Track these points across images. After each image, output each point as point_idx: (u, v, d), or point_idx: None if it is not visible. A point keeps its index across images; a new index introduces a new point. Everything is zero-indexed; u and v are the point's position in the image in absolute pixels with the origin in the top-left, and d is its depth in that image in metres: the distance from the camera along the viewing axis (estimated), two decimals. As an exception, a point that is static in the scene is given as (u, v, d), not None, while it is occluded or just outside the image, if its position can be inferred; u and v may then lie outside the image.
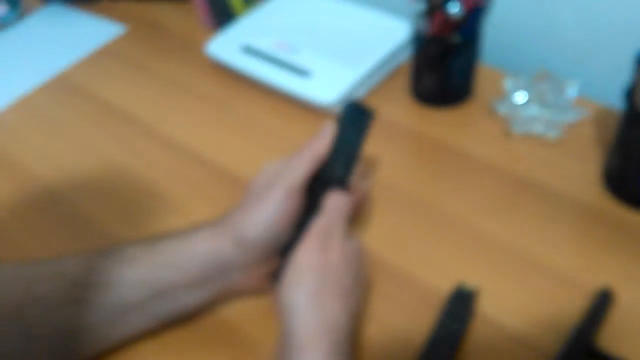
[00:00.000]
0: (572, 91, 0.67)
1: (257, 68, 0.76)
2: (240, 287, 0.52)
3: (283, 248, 0.50)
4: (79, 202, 0.67)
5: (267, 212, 0.49)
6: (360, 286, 0.50)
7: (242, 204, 0.51)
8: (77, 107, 0.80)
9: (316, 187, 0.52)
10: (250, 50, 0.78)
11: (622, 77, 0.58)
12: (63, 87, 0.83)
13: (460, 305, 0.51)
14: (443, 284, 0.54)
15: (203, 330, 0.54)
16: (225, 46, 0.80)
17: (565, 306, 0.52)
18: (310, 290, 0.45)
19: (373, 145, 0.67)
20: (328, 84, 0.72)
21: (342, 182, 0.52)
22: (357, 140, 0.53)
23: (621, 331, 0.50)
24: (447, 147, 0.68)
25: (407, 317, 0.53)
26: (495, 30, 0.75)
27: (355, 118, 0.53)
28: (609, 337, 0.50)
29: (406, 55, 0.78)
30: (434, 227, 0.60)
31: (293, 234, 0.50)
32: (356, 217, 0.58)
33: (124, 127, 0.76)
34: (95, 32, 0.93)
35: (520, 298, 0.53)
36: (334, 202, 0.50)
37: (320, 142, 0.52)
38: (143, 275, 0.48)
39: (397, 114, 0.73)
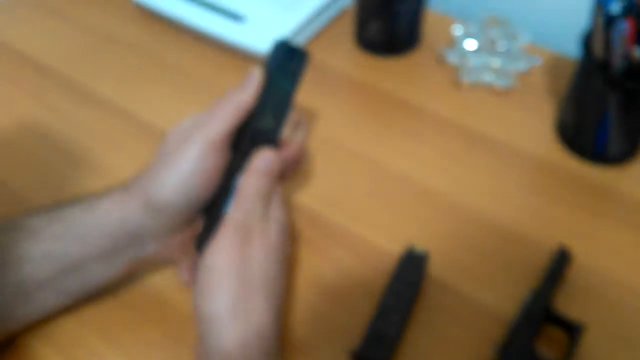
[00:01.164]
0: (524, 38, 0.64)
1: (186, 12, 0.70)
2: (157, 257, 0.47)
3: (207, 209, 0.45)
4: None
5: (180, 172, 0.43)
6: (285, 269, 0.45)
7: (153, 163, 0.45)
8: (-16, 57, 0.72)
9: (242, 142, 0.45)
10: (178, -7, 0.71)
11: (576, 22, 0.55)
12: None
13: (411, 268, 0.47)
14: (392, 246, 0.51)
15: (130, 304, 0.49)
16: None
17: (520, 266, 0.50)
18: (231, 297, 0.40)
19: (313, 96, 0.63)
20: (264, 30, 0.66)
21: (271, 136, 0.46)
22: (288, 86, 0.47)
23: (577, 290, 0.48)
24: (393, 98, 0.64)
25: (354, 281, 0.49)
26: (444, -27, 0.71)
27: (286, 61, 0.47)
28: (564, 297, 0.48)
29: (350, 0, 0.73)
30: (379, 185, 0.56)
31: (217, 195, 0.44)
32: (292, 175, 0.53)
33: (39, 80, 0.69)
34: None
35: (473, 259, 0.50)
36: (256, 178, 0.43)
37: (246, 90, 0.45)
38: (47, 249, 0.43)
39: (340, 63, 0.68)
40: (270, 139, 0.46)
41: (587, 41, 0.52)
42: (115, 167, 0.59)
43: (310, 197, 0.55)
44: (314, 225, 0.53)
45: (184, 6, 0.70)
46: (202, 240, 0.44)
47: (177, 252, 0.46)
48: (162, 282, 0.50)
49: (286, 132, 0.49)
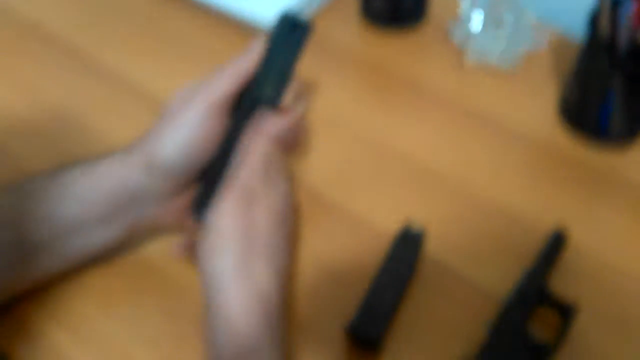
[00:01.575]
0: (530, 15, 0.63)
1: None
2: (156, 222, 0.47)
3: (205, 174, 0.45)
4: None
5: (181, 133, 0.44)
6: (290, 238, 0.45)
7: (155, 125, 0.45)
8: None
9: (242, 109, 0.46)
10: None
11: (584, 3, 0.54)
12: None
13: (407, 247, 0.47)
14: (390, 224, 0.51)
15: (127, 273, 0.49)
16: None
17: (517, 247, 0.50)
18: (236, 258, 0.40)
19: (317, 71, 0.63)
20: (269, 2, 0.65)
21: (271, 104, 0.46)
22: (290, 56, 0.47)
23: (572, 271, 0.48)
24: (398, 75, 0.63)
25: (352, 259, 0.50)
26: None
27: (289, 33, 0.47)
28: (559, 278, 0.48)
29: (356, -28, 0.72)
30: (380, 163, 0.56)
31: (215, 160, 0.45)
32: (292, 150, 0.53)
33: (41, 47, 0.68)
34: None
35: (470, 238, 0.51)
36: (259, 139, 0.43)
37: (247, 57, 0.46)
38: (47, 211, 0.44)
39: (346, 37, 0.67)
40: (270, 107, 0.46)
41: (594, 21, 0.52)
42: (117, 135, 0.58)
43: (310, 174, 0.55)
44: (314, 202, 0.53)
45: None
46: (199, 204, 0.44)
47: (176, 218, 0.46)
48: (160, 253, 0.50)
49: (287, 102, 0.48)
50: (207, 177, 0.45)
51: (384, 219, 0.52)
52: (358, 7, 0.69)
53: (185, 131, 0.44)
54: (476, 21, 0.63)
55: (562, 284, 0.47)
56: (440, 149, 0.57)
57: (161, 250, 0.51)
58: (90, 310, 0.48)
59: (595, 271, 0.48)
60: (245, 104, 0.46)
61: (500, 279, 0.48)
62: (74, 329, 0.47)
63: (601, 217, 0.51)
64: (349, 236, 0.51)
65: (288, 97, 0.48)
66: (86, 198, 0.44)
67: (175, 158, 0.44)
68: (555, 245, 0.48)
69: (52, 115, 0.61)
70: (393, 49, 0.66)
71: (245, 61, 0.45)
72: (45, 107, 0.62)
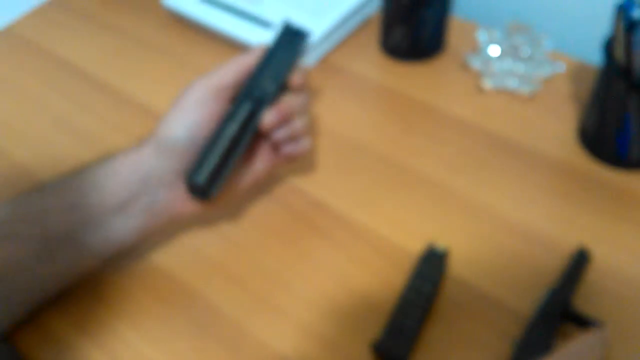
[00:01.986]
0: (547, 44, 0.64)
1: (217, 19, 0.72)
2: (170, 210, 0.49)
3: (199, 153, 0.48)
4: (28, 163, 0.62)
5: (184, 111, 0.48)
6: None
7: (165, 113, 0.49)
8: (25, 62, 0.75)
9: (238, 98, 0.50)
10: (208, 1, 0.73)
11: (599, 30, 0.56)
12: (10, 40, 0.78)
13: (431, 266, 0.48)
14: (413, 245, 0.52)
15: (157, 288, 0.51)
16: (182, 1, 0.75)
17: (539, 266, 0.50)
18: None
19: (339, 100, 0.65)
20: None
21: (266, 97, 0.50)
22: (287, 58, 0.52)
23: (595, 290, 0.49)
24: (417, 102, 0.65)
25: (376, 279, 0.51)
26: (468, -19, 0.72)
27: (289, 38, 0.53)
28: (583, 297, 0.48)
29: (375, 7, 0.75)
30: (403, 186, 0.57)
31: (207, 140, 0.48)
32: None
33: (75, 83, 0.71)
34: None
35: (493, 258, 0.51)
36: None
37: (249, 54, 0.51)
38: (69, 202, 0.46)
39: (366, 68, 0.69)
40: (266, 98, 0.50)
41: (609, 47, 0.53)
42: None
43: (333, 196, 0.57)
44: (339, 224, 0.54)
45: (214, 13, 0.72)
46: (193, 165, 0.47)
47: (183, 205, 0.49)
48: (190, 271, 0.52)
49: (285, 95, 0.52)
50: (199, 155, 0.48)
51: (408, 240, 0.53)
52: (377, 41, 0.72)
53: (188, 110, 0.48)
54: (493, 51, 0.65)
55: (585, 302, 0.48)
56: (462, 171, 0.58)
57: (190, 267, 0.52)
58: (119, 324, 0.49)
59: (617, 290, 0.49)
60: (242, 93, 0.50)
61: (523, 297, 0.48)
62: (103, 341, 0.48)
63: (623, 237, 0.52)
64: (374, 256, 0.52)
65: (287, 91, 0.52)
66: (105, 187, 0.46)
67: (180, 135, 0.47)
68: (578, 264, 0.48)
69: (82, 142, 0.64)
70: (412, 77, 0.68)
71: (246, 57, 0.51)
72: (75, 136, 0.64)
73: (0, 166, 0.62)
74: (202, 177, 0.47)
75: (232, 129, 0.48)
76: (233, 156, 0.49)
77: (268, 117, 0.49)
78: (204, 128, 0.48)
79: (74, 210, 0.46)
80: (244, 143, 0.49)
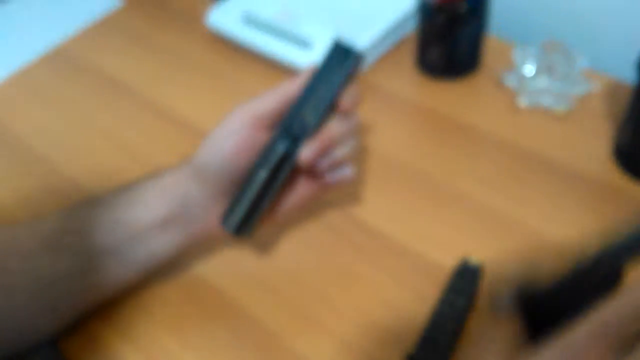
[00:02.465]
0: (582, 62, 0.65)
1: (258, 39, 0.74)
2: (206, 231, 0.51)
3: (238, 186, 0.48)
4: (78, 177, 0.65)
5: (221, 139, 0.47)
6: None
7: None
8: (75, 80, 0.78)
9: (278, 128, 0.48)
10: (251, 21, 0.76)
11: (633, 49, 0.56)
12: (61, 59, 0.82)
13: (465, 280, 0.49)
14: (448, 260, 0.53)
15: (200, 300, 0.53)
16: (225, 17, 0.78)
17: (573, 283, 0.51)
18: None
19: (378, 118, 0.67)
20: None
21: (308, 127, 0.47)
22: (335, 82, 0.47)
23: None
24: (453, 120, 0.66)
25: (411, 294, 0.52)
26: (503, 0, 0.73)
27: (338, 58, 0.48)
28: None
29: (412, 26, 0.76)
30: (439, 202, 0.58)
31: (247, 173, 0.48)
32: (353, 192, 0.56)
33: (124, 100, 0.74)
34: (95, 3, 0.91)
35: (527, 274, 0.52)
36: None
37: (294, 80, 0.48)
38: (116, 216, 0.48)
39: (402, 86, 0.71)
40: (304, 134, 0.48)
41: (643, 66, 0.54)
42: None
43: (370, 212, 0.58)
44: (374, 239, 0.56)
45: (254, 33, 0.75)
46: (226, 210, 0.48)
47: (217, 228, 0.50)
48: (233, 283, 0.54)
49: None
50: (238, 189, 0.48)
51: (443, 255, 0.54)
52: (413, 59, 0.73)
53: (223, 141, 0.47)
54: (528, 69, 0.66)
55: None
56: (497, 188, 0.59)
57: (233, 280, 0.54)
58: (163, 335, 0.51)
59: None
60: (280, 129, 0.48)
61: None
62: (145, 349, 0.50)
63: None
64: (409, 271, 0.53)
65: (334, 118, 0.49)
66: (149, 204, 0.48)
67: (214, 164, 0.48)
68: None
69: (128, 156, 0.67)
70: (447, 95, 0.69)
71: (291, 83, 0.48)
72: (122, 150, 0.67)
73: (52, 180, 0.66)
74: (232, 225, 0.49)
75: (264, 174, 0.47)
76: (265, 199, 0.48)
77: (306, 153, 0.47)
78: (241, 157, 0.47)
79: (121, 225, 0.48)
80: (277, 185, 0.48)
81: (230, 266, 0.55)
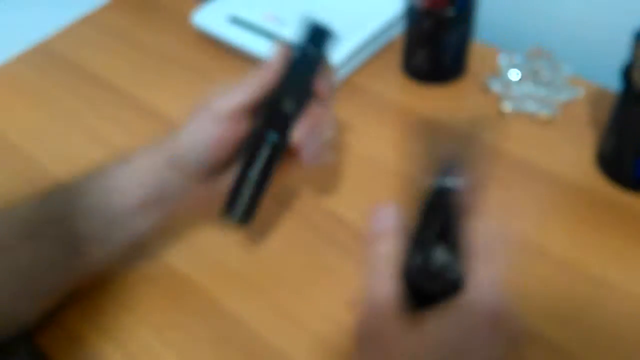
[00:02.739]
0: (566, 69, 0.65)
1: (244, 39, 0.74)
2: (184, 209, 0.51)
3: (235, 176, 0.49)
4: (59, 174, 0.64)
5: (201, 131, 0.48)
6: None
7: (181, 125, 0.50)
8: (58, 77, 0.77)
9: (261, 116, 0.49)
10: (237, 22, 0.75)
11: (618, 56, 0.57)
12: (44, 55, 0.81)
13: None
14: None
15: (179, 296, 0.53)
16: (212, 17, 0.78)
17: (556, 288, 0.51)
18: None
19: (362, 122, 0.66)
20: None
21: (292, 114, 0.48)
22: (313, 66, 0.48)
23: (615, 315, 0.49)
24: (438, 124, 0.66)
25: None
26: (490, 6, 0.73)
27: (314, 42, 0.48)
28: (601, 319, 0.49)
29: (398, 30, 0.76)
30: (422, 205, 0.58)
31: (241, 163, 0.49)
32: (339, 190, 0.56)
33: (107, 98, 0.74)
34: (79, 0, 0.90)
35: (509, 279, 0.52)
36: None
37: (271, 67, 0.48)
38: (92, 202, 0.47)
39: (388, 90, 0.71)
40: (290, 117, 0.48)
41: (627, 73, 0.54)
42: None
43: (353, 212, 0.58)
44: (357, 239, 0.56)
45: (242, 33, 0.75)
46: (227, 202, 0.48)
47: (203, 207, 0.51)
48: (213, 279, 0.53)
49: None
50: (235, 178, 0.49)
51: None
52: (399, 63, 0.73)
53: (203, 133, 0.48)
54: (514, 75, 0.66)
55: (604, 328, 0.48)
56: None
57: (212, 276, 0.54)
58: (140, 328, 0.51)
59: (637, 313, 0.49)
60: (266, 114, 0.49)
61: (536, 317, 0.49)
62: (123, 344, 0.50)
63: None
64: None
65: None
66: (127, 191, 0.48)
67: (193, 155, 0.48)
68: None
69: (113, 153, 0.66)
70: (433, 99, 0.69)
71: (268, 70, 0.48)
72: (106, 147, 0.67)
73: (35, 178, 0.64)
74: (237, 215, 0.49)
75: (258, 168, 0.48)
76: (263, 187, 0.49)
77: (298, 135, 0.48)
78: (222, 149, 0.48)
79: (98, 212, 0.48)
80: (272, 172, 0.49)
81: (212, 264, 0.55)
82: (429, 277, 0.32)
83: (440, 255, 0.33)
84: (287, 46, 0.49)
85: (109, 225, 0.48)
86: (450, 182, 0.38)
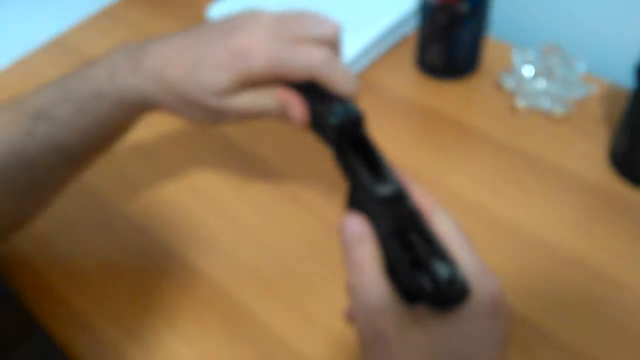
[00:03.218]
0: (580, 67, 0.65)
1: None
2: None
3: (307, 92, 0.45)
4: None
5: (209, 76, 0.45)
6: None
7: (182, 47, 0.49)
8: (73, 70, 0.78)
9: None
10: (252, 16, 0.76)
11: (631, 54, 0.57)
12: (61, 49, 0.82)
13: None
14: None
15: (195, 294, 0.53)
16: (227, 11, 0.78)
17: (566, 284, 0.51)
18: None
19: (376, 117, 0.67)
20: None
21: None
22: None
23: (625, 314, 0.49)
24: (451, 120, 0.67)
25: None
26: (504, 2, 0.73)
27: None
28: (611, 322, 0.49)
29: (412, 26, 0.77)
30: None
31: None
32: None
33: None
34: (95, -6, 0.91)
35: (522, 276, 0.52)
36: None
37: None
38: (60, 89, 0.51)
39: (402, 86, 0.71)
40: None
41: (640, 71, 0.54)
42: (195, 176, 0.64)
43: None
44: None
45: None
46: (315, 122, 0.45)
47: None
48: (227, 277, 0.54)
49: None
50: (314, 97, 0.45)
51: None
52: (413, 59, 0.74)
53: (210, 78, 0.45)
54: (527, 71, 0.66)
55: (616, 328, 0.49)
56: (493, 189, 0.59)
57: (228, 274, 0.55)
58: (157, 323, 0.52)
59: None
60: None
61: (547, 314, 0.50)
62: (139, 338, 0.51)
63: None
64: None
65: None
66: (111, 113, 0.49)
67: (191, 92, 0.46)
68: None
69: (128, 146, 0.67)
70: (446, 94, 0.69)
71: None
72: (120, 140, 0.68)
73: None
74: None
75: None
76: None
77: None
78: (219, 100, 0.45)
79: (68, 96, 0.50)
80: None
81: (224, 260, 0.56)
82: (442, 294, 0.33)
83: (441, 269, 0.33)
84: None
85: (79, 113, 0.49)
86: (346, 110, 0.41)
